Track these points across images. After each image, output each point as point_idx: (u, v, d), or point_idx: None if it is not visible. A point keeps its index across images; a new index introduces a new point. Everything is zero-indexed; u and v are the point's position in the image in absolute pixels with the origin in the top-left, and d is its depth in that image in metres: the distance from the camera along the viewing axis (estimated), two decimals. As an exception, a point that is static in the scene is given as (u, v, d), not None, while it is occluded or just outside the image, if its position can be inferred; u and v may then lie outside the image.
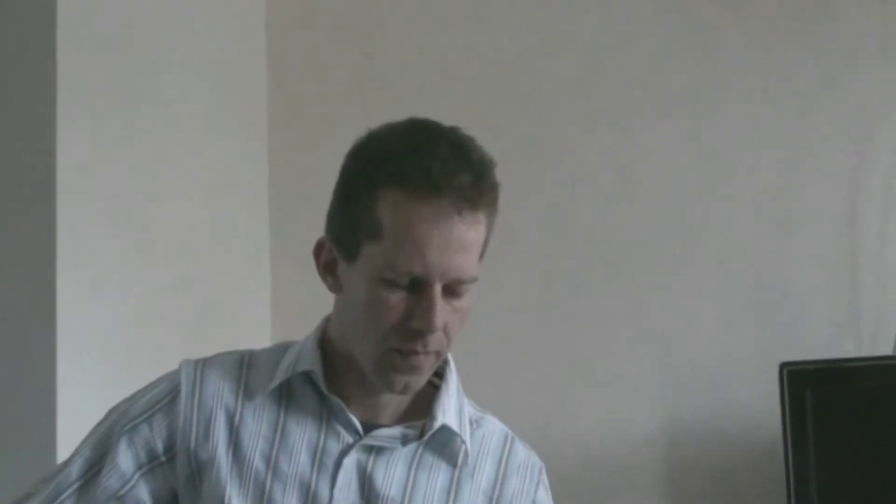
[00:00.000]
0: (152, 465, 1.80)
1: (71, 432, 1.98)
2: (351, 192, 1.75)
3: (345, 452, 1.78)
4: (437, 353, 1.75)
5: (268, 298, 3.83)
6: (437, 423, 1.80)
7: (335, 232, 1.76)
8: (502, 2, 3.80)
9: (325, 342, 1.81)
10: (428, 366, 1.75)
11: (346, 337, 1.78)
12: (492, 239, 1.78)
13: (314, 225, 1.88)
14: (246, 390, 1.81)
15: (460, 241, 1.69)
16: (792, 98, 3.60)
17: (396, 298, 1.70)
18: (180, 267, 3.49)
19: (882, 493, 3.15)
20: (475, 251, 1.72)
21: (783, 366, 3.28)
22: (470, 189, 1.68)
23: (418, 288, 1.69)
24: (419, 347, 1.71)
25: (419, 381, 1.76)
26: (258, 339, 3.49)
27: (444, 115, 1.80)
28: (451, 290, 1.71)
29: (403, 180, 1.68)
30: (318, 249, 1.79)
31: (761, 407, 3.36)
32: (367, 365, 1.75)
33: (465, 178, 1.68)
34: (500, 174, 1.81)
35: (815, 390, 3.27)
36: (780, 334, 3.47)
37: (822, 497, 3.12)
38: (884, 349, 3.40)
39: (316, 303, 1.90)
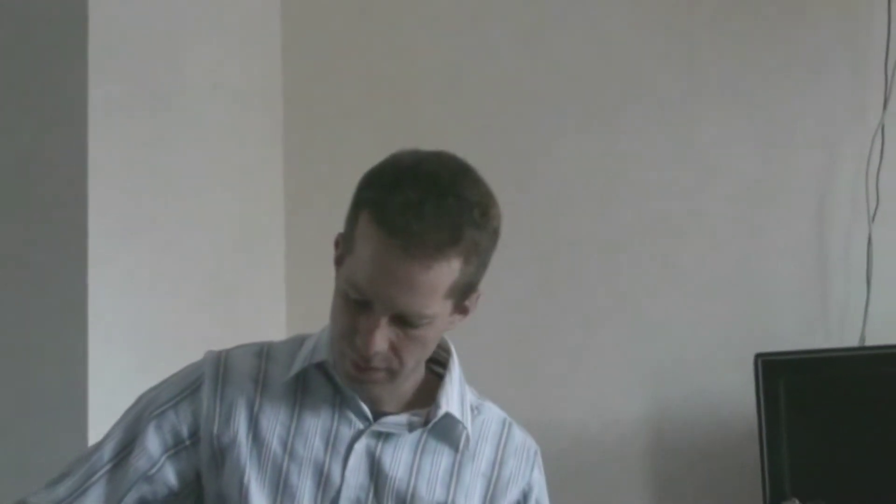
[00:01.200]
0: (178, 448, 1.80)
1: (101, 417, 1.98)
2: (351, 205, 1.75)
3: (356, 438, 1.79)
4: (389, 370, 1.73)
5: (283, 293, 3.83)
6: (441, 411, 1.80)
7: (345, 230, 1.77)
8: (499, 21, 3.79)
9: None
10: (379, 378, 1.74)
11: None
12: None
13: (326, 225, 1.88)
14: (265, 380, 1.81)
15: (408, 281, 1.66)
16: (766, 108, 3.60)
17: (349, 312, 1.70)
18: (202, 265, 3.50)
19: (850, 474, 3.15)
20: (432, 293, 1.68)
21: (758, 356, 3.28)
22: (427, 237, 1.65)
23: (366, 309, 1.69)
24: (361, 362, 1.71)
25: (372, 389, 1.77)
26: (274, 331, 3.49)
27: (446, 123, 1.80)
28: (403, 321, 1.69)
29: (376, 210, 1.67)
30: (336, 243, 1.79)
31: (738, 395, 3.36)
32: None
33: (423, 226, 1.65)
34: (498, 178, 1.80)
35: (788, 379, 3.28)
36: (755, 327, 3.47)
37: (795, 478, 3.12)
38: (850, 341, 3.40)
39: (327, 297, 1.89)
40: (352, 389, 1.77)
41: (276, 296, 3.82)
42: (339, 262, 1.77)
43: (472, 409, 1.86)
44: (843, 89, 3.54)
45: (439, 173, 1.71)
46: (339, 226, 1.82)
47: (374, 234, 1.66)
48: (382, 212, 1.66)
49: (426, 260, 1.65)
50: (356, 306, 1.69)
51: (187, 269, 3.44)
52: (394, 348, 1.71)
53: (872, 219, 3.44)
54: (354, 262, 1.69)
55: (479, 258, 1.71)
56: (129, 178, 3.25)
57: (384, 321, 1.68)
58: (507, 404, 1.96)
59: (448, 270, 1.67)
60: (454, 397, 1.82)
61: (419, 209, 1.65)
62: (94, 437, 2.06)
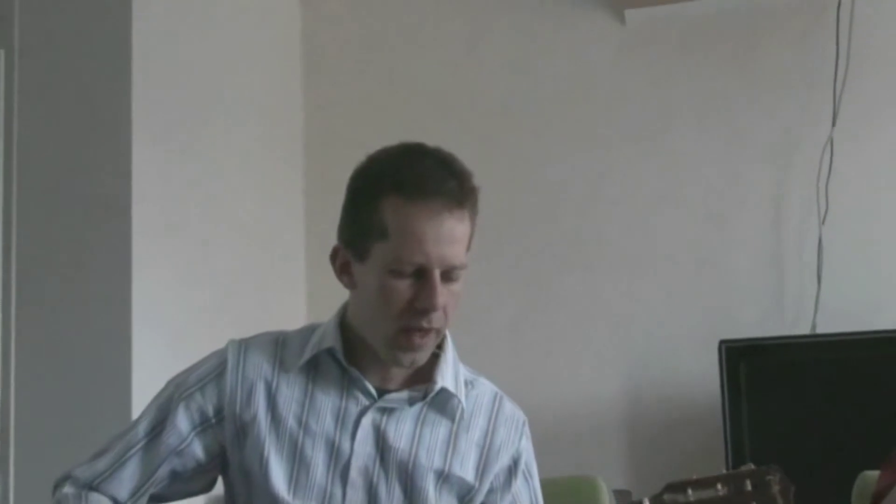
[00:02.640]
0: (205, 426, 1.78)
1: (143, 398, 1.97)
2: (358, 204, 1.74)
3: (362, 413, 1.76)
4: (437, 331, 1.73)
5: (303, 287, 3.83)
6: (438, 387, 1.77)
7: (347, 239, 1.75)
8: (495, 51, 3.81)
9: (344, 324, 1.79)
10: (430, 343, 1.73)
11: (362, 324, 1.76)
12: (487, 238, 1.76)
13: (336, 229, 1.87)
14: (281, 364, 1.79)
15: (451, 234, 1.68)
16: (728, 125, 3.60)
17: (404, 285, 1.68)
18: (231, 262, 3.49)
19: (801, 445, 3.15)
20: (463, 242, 1.71)
21: (722, 342, 3.29)
22: (456, 192, 1.68)
23: (421, 275, 1.68)
24: (424, 324, 1.69)
25: (423, 356, 1.75)
26: (295, 320, 3.49)
27: (450, 137, 1.79)
28: (447, 276, 1.69)
29: (402, 189, 1.68)
30: (334, 255, 1.78)
31: (704, 375, 3.36)
32: (379, 347, 1.73)
33: (451, 184, 1.68)
34: (494, 186, 1.80)
35: (748, 362, 3.29)
36: (719, 317, 3.47)
37: (753, 448, 3.12)
38: (803, 329, 3.41)
39: (341, 290, 1.88)
40: (396, 363, 1.74)
41: (296, 289, 3.81)
42: (346, 269, 1.76)
43: (466, 384, 1.83)
44: (797, 109, 3.54)
45: (427, 148, 1.74)
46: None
47: (410, 206, 1.67)
48: (409, 187, 1.67)
49: (459, 212, 1.69)
50: (410, 279, 1.68)
51: (218, 265, 3.43)
52: (443, 306, 1.71)
53: (823, 222, 3.45)
54: (396, 241, 1.67)
55: (477, 214, 1.74)
56: (167, 186, 3.25)
57: (438, 278, 1.68)
58: (501, 381, 1.93)
59: (469, 221, 1.71)
60: (449, 374, 1.79)
61: (438, 173, 1.69)
62: (136, 415, 2.05)
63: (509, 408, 1.87)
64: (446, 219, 1.68)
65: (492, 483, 1.81)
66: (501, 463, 1.82)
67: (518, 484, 1.83)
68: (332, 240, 1.82)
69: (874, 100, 3.49)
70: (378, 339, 1.73)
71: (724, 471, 1.61)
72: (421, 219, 1.67)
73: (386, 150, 1.76)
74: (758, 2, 3.57)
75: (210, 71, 3.48)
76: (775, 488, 1.56)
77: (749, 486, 1.57)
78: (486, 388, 1.87)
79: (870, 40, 3.48)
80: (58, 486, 1.81)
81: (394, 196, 1.68)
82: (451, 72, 3.82)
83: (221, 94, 3.53)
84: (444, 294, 1.69)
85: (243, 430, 1.76)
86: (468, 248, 1.74)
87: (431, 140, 1.78)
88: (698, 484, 1.59)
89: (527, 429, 1.88)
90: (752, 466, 1.59)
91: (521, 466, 1.85)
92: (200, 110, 3.43)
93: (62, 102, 3.21)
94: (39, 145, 3.21)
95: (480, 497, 1.80)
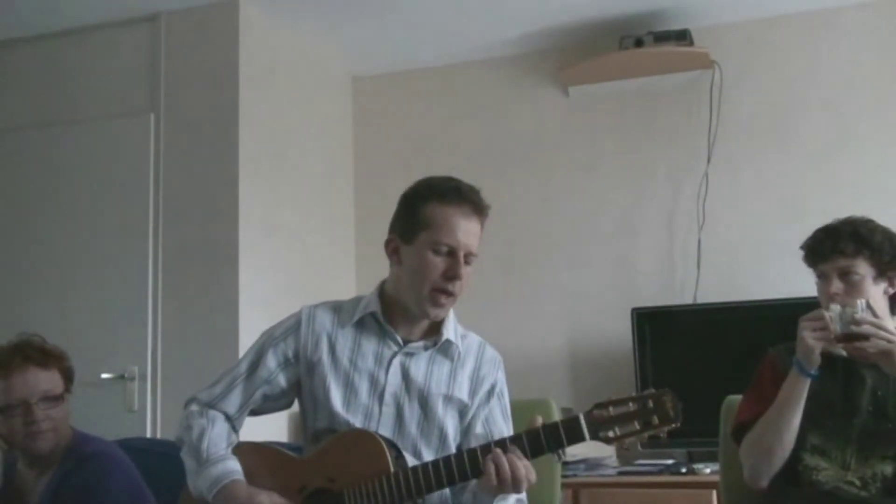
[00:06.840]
0: (286, 364, 1.77)
1: (246, 345, 1.97)
2: (411, 206, 1.72)
3: (393, 356, 1.76)
4: (455, 296, 1.72)
5: (353, 271, 3.80)
6: (444, 338, 1.77)
7: (399, 230, 1.74)
8: (482, 115, 3.78)
9: (382, 295, 1.78)
10: (450, 304, 1.73)
11: (402, 290, 1.73)
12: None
13: (375, 230, 1.84)
14: (339, 322, 1.78)
15: (473, 231, 1.70)
16: (638, 163, 3.58)
17: (439, 261, 1.69)
18: (305, 256, 3.48)
19: (684, 375, 3.12)
20: (478, 238, 1.72)
21: (633, 309, 3.29)
22: (481, 203, 1.71)
23: (451, 255, 1.69)
24: (450, 287, 1.69)
25: (443, 313, 1.74)
26: (347, 293, 3.48)
27: (450, 173, 1.78)
28: (466, 259, 1.70)
29: (446, 195, 1.70)
30: (388, 243, 1.76)
31: (621, 331, 3.35)
32: (415, 305, 1.72)
33: (478, 197, 1.71)
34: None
35: (650, 322, 3.29)
36: (631, 292, 3.45)
37: (654, 380, 3.11)
38: (688, 300, 3.39)
39: (378, 274, 1.86)
40: (426, 316, 1.72)
41: (347, 272, 3.78)
42: (395, 251, 1.73)
43: (461, 337, 1.82)
44: (684, 152, 3.52)
45: (458, 179, 1.74)
46: (380, 229, 1.80)
47: (452, 206, 1.68)
48: (450, 195, 1.69)
49: (479, 217, 1.71)
50: (443, 257, 1.68)
51: (296, 257, 3.41)
52: (462, 279, 1.71)
53: (701, 229, 3.43)
54: (437, 229, 1.68)
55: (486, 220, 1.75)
56: (263, 208, 3.25)
57: (462, 258, 1.68)
58: (488, 334, 1.90)
59: (482, 226, 1.72)
60: (451, 330, 1.78)
61: (472, 191, 1.71)
62: (241, 356, 2.05)
63: (490, 351, 1.86)
64: (473, 219, 1.69)
65: (478, 401, 1.80)
66: (484, 388, 1.81)
67: (494, 401, 1.82)
68: (372, 242, 1.81)
69: (735, 147, 3.47)
70: (415, 299, 1.71)
71: (634, 394, 1.60)
72: (458, 215, 1.68)
73: (431, 177, 1.75)
74: (659, 82, 3.54)
75: (290, 130, 3.47)
76: (668, 405, 1.55)
77: (651, 404, 1.56)
78: (473, 338, 1.86)
79: (731, 108, 3.48)
80: (187, 404, 1.81)
81: (439, 201, 1.69)
82: (453, 129, 3.81)
83: (300, 145, 3.52)
84: (463, 270, 1.69)
85: (312, 367, 1.76)
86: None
87: (435, 174, 1.78)
88: (617, 402, 1.58)
89: (502, 366, 1.87)
90: (653, 390, 1.57)
91: (497, 390, 1.84)
92: (285, 157, 3.43)
93: (191, 150, 3.22)
94: (177, 179, 3.22)
95: (472, 411, 1.79)
